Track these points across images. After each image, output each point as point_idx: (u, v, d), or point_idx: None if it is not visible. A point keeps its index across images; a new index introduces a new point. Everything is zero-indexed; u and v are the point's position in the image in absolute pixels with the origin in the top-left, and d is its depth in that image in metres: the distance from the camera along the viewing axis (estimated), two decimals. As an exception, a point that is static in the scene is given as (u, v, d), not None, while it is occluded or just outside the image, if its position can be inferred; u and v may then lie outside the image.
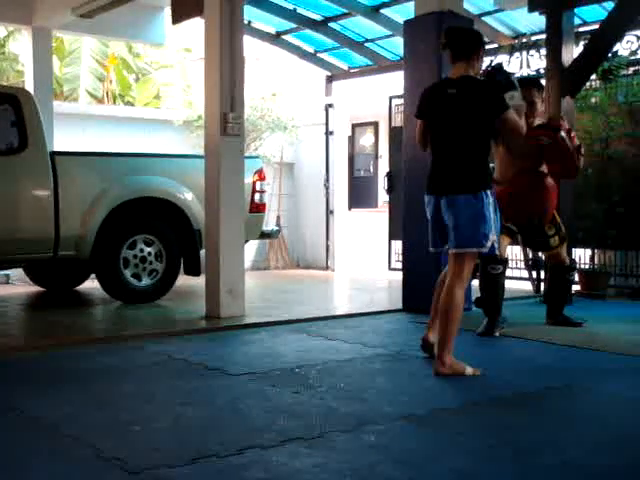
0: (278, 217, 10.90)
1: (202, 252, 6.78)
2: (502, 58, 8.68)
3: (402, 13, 8.40)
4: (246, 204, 6.82)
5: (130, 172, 6.98)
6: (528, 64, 8.54)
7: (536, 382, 4.10)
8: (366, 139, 14.73)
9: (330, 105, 10.94)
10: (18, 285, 8.41)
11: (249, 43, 9.53)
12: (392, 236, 9.75)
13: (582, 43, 7.63)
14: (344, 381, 4.05)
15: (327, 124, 10.94)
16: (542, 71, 7.97)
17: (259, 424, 3.24)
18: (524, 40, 8.64)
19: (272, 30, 10.13)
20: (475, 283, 5.72)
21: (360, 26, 9.52)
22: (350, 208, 11.56)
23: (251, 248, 10.45)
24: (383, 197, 12.54)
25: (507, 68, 8.50)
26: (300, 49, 10.52)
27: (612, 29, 6.96)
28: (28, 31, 9.15)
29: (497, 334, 5.38)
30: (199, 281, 6.84)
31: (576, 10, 7.53)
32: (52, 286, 7.98)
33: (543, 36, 7.83)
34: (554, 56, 7.15)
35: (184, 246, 7.14)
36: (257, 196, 7.47)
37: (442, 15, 6.25)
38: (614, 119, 7.57)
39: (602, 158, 7.63)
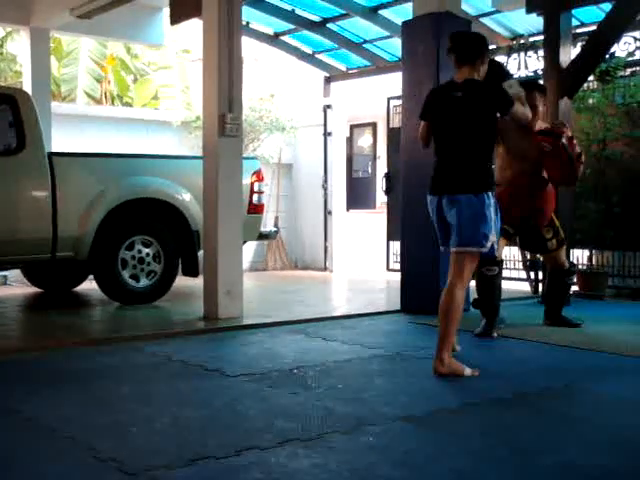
0: (276, 218, 10.90)
1: (200, 253, 6.77)
2: (500, 59, 8.68)
3: (400, 14, 8.41)
4: (244, 205, 6.82)
5: (128, 173, 6.97)
6: (526, 65, 8.56)
7: (535, 383, 4.11)
8: (364, 140, 14.74)
9: (328, 106, 10.95)
10: (16, 286, 8.40)
11: (247, 44, 9.54)
12: (390, 237, 9.76)
13: (580, 44, 7.64)
14: (342, 382, 4.04)
15: (325, 125, 10.95)
16: (540, 72, 7.98)
17: (257, 425, 3.23)
18: (522, 41, 8.66)
19: (270, 31, 10.13)
20: (472, 284, 5.71)
21: (358, 27, 9.53)
22: (348, 209, 11.57)
23: (249, 249, 10.45)
24: (381, 198, 12.54)
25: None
26: (298, 50, 10.53)
27: (609, 30, 6.97)
28: (26, 32, 9.15)
29: (495, 335, 5.38)
30: (197, 282, 6.84)
31: (574, 11, 7.54)
32: (50, 287, 7.97)
33: (541, 37, 7.84)
34: (552, 57, 7.16)
35: (182, 247, 7.14)
36: (255, 197, 7.47)
37: (440, 16, 6.26)
38: (611, 120, 7.58)
39: (599, 159, 7.64)
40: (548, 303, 5.97)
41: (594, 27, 7.50)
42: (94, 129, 9.53)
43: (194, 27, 9.44)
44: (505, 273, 6.62)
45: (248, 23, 9.51)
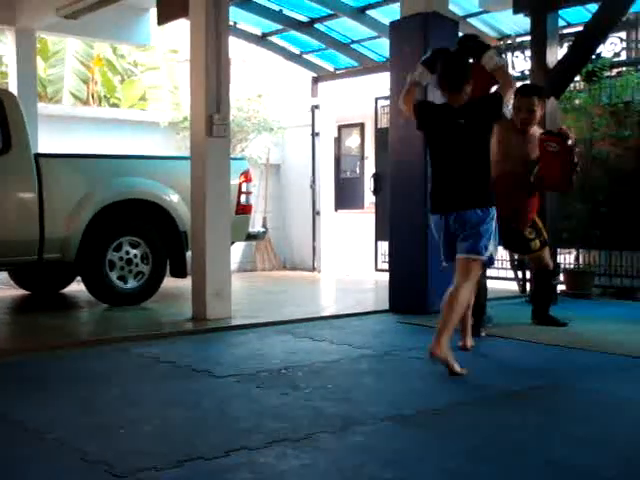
0: (264, 218, 10.89)
1: (188, 254, 6.76)
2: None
3: (388, 14, 8.42)
4: (232, 206, 6.80)
5: (115, 174, 6.94)
6: (513, 65, 8.59)
7: (522, 381, 4.13)
8: (352, 140, 14.74)
9: (316, 106, 10.94)
10: (3, 288, 8.35)
11: (235, 44, 9.53)
12: (378, 237, 9.77)
13: (566, 45, 7.68)
14: (331, 382, 4.05)
15: (313, 125, 10.94)
16: (527, 72, 8.01)
17: (246, 426, 3.23)
18: (509, 41, 8.69)
19: (258, 31, 10.12)
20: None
21: (346, 27, 9.53)
22: (336, 209, 11.56)
23: (237, 250, 10.43)
24: (369, 198, 12.55)
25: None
26: (286, 50, 10.52)
27: (596, 31, 7.00)
28: (12, 32, 9.09)
29: (483, 334, 5.40)
30: (185, 283, 6.82)
31: (560, 12, 7.58)
32: (37, 289, 7.93)
33: (528, 38, 7.87)
34: (538, 57, 7.19)
35: (170, 248, 7.12)
36: (243, 197, 7.45)
37: (427, 16, 6.27)
38: (598, 120, 7.61)
39: (586, 159, 7.67)
40: (535, 303, 6.00)
41: (580, 27, 7.53)
42: (81, 130, 9.49)
43: (182, 27, 9.41)
44: (493, 273, 6.65)
45: (235, 23, 9.49)
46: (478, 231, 4.37)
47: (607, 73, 7.71)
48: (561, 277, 7.65)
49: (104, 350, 5.01)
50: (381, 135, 9.42)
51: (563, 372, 4.41)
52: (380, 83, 9.08)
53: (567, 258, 8.01)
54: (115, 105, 14.63)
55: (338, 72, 10.82)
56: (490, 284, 5.72)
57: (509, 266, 8.28)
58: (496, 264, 7.94)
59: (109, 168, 6.99)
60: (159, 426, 3.27)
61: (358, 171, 14.59)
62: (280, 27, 9.80)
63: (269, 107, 10.98)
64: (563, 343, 5.12)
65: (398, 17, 6.63)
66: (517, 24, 8.47)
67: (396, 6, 7.09)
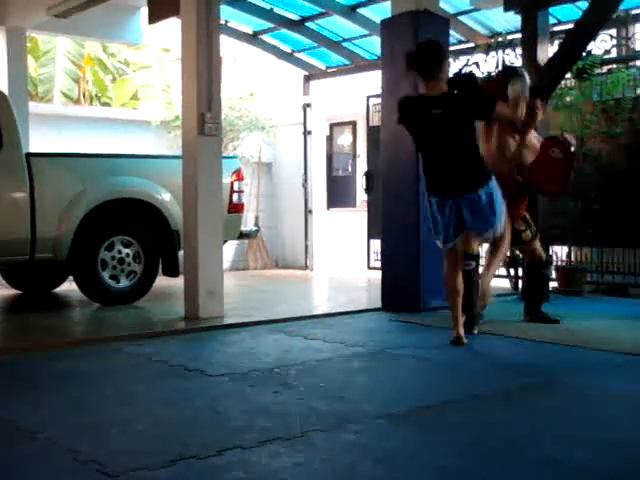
0: (257, 217, 10.88)
1: (180, 253, 6.75)
2: (478, 57, 8.73)
3: (379, 12, 8.42)
4: (224, 204, 6.79)
5: (107, 173, 6.93)
6: (504, 63, 8.59)
7: (514, 379, 4.13)
8: (344, 138, 14.75)
9: (308, 105, 10.94)
10: (-6, 288, 8.33)
11: (226, 43, 9.51)
12: (371, 235, 9.77)
13: (557, 42, 7.69)
14: (324, 380, 4.05)
15: (305, 124, 10.94)
16: (518, 70, 8.02)
17: (239, 424, 3.23)
18: (500, 39, 8.69)
19: (249, 30, 10.11)
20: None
21: (337, 26, 9.53)
22: (329, 208, 11.56)
23: (230, 248, 10.42)
24: (362, 196, 12.56)
25: (483, 66, 8.60)
26: (277, 49, 10.51)
27: (586, 28, 7.01)
28: (2, 31, 9.03)
29: (475, 332, 5.39)
30: (178, 282, 6.81)
31: (551, 9, 7.59)
32: (29, 289, 7.90)
33: (519, 35, 7.89)
34: (529, 55, 7.20)
35: (162, 247, 7.11)
36: (235, 196, 7.45)
37: (418, 14, 6.27)
38: (589, 117, 7.63)
39: (578, 156, 7.68)
40: (527, 298, 6.02)
41: (571, 25, 7.54)
42: (72, 129, 9.46)
43: (174, 26, 9.40)
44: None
45: (227, 22, 9.47)
46: (488, 208, 4.78)
47: (598, 70, 7.72)
48: (553, 273, 7.66)
49: (96, 349, 5.00)
50: (373, 133, 9.42)
51: (555, 369, 4.42)
52: (372, 81, 9.08)
53: (559, 254, 8.02)
54: (106, 104, 14.59)
55: (330, 70, 10.82)
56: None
57: (501, 263, 8.29)
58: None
59: (101, 167, 6.98)
60: (151, 425, 3.27)
61: (350, 169, 14.60)
62: (271, 25, 9.79)
63: (261, 106, 10.97)
64: (555, 340, 5.13)
65: (389, 15, 6.63)
66: (508, 22, 8.48)
67: (387, 4, 7.09)
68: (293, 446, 2.93)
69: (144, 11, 8.58)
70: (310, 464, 2.75)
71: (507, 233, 5.06)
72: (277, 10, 9.42)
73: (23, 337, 5.54)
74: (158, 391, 3.92)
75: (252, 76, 12.31)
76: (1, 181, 6.36)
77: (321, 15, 9.30)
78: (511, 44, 8.47)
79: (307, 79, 11.00)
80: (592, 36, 7.28)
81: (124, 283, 6.91)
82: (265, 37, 10.25)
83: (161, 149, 9.68)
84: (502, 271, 8.22)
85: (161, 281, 7.38)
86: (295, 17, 9.51)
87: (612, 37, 7.87)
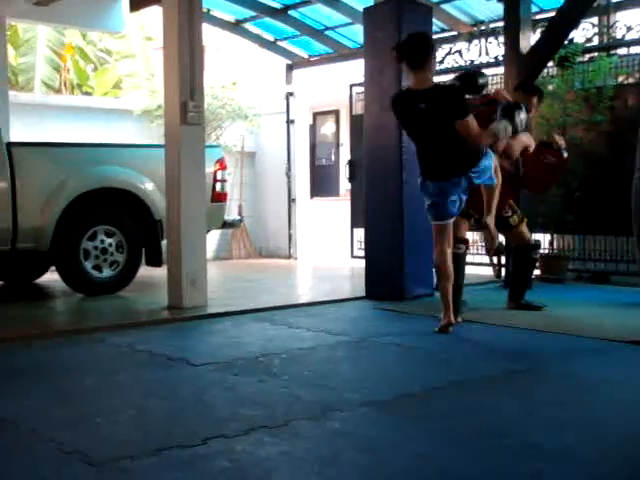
0: (240, 206, 10.86)
1: (164, 242, 6.72)
2: (461, 45, 8.73)
3: (361, 1, 8.38)
4: (207, 194, 6.76)
5: (89, 162, 6.88)
6: (487, 51, 8.60)
7: (497, 366, 4.16)
8: (327, 127, 14.71)
9: (291, 93, 10.91)
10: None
11: (209, 32, 9.45)
12: (354, 224, 9.77)
13: (539, 30, 7.70)
14: (308, 369, 4.06)
15: (288, 113, 10.91)
16: (500, 58, 8.03)
17: (223, 414, 3.23)
18: (482, 27, 8.69)
19: (231, 18, 10.05)
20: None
21: (320, 14, 9.49)
22: (312, 197, 11.56)
23: (213, 238, 10.40)
24: (345, 185, 12.54)
25: (466, 55, 8.60)
26: (260, 37, 10.46)
27: (568, 16, 7.04)
28: (-19, 19, 8.96)
29: (460, 320, 5.41)
30: (161, 272, 6.79)
31: (533, -2, 7.61)
32: (11, 279, 7.85)
33: (501, 23, 7.89)
34: (512, 43, 7.22)
35: (145, 237, 7.07)
36: (218, 185, 7.42)
37: (401, 2, 6.26)
38: (571, 105, 7.65)
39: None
40: (513, 283, 6.05)
41: (553, 13, 7.56)
42: (53, 118, 9.39)
43: (158, 14, 9.33)
44: (468, 258, 6.64)
45: (209, 10, 9.41)
46: (480, 170, 4.93)
47: (580, 58, 7.75)
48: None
49: (79, 340, 4.98)
50: (356, 122, 9.41)
51: (538, 356, 4.45)
52: (355, 70, 9.05)
53: (542, 242, 8.06)
54: (88, 93, 14.48)
55: (312, 59, 10.78)
56: (466, 269, 5.74)
57: (484, 251, 8.32)
58: (471, 250, 8.04)
59: (83, 157, 6.92)
60: (135, 415, 3.26)
61: (333, 158, 14.57)
62: (254, 14, 9.73)
63: (244, 95, 10.93)
64: (538, 327, 5.16)
65: (372, 3, 6.61)
66: (490, 10, 8.47)
67: (370, -8, 7.07)
68: (278, 435, 2.93)
69: (125, -1, 8.52)
70: (295, 452, 2.76)
71: (498, 178, 5.17)
72: (259, -2, 9.37)
73: (5, 328, 5.48)
74: (142, 381, 3.91)
75: (235, 65, 12.28)
76: (-19, 171, 6.30)
77: (304, 3, 9.25)
78: (494, 32, 8.47)
79: (290, 68, 10.96)
80: (574, 24, 7.31)
81: (107, 273, 6.87)
82: (248, 25, 10.19)
83: (143, 138, 9.63)
84: (485, 259, 8.26)
85: (144, 271, 7.35)
86: (278, 5, 9.46)
87: (594, 25, 7.89)
